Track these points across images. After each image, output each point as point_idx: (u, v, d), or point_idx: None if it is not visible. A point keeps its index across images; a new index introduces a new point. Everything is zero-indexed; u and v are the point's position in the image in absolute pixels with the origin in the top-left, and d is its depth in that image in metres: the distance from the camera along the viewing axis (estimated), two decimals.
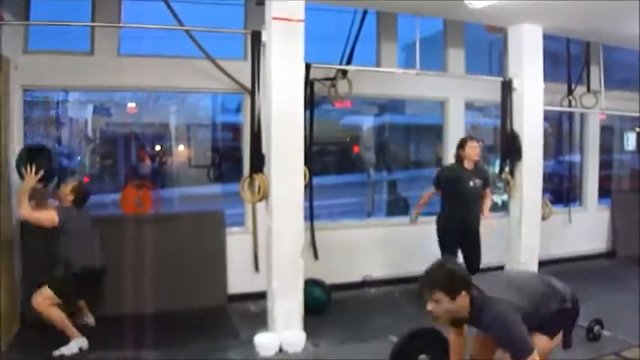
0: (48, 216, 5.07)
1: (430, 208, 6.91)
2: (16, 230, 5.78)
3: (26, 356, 4.96)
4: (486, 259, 6.28)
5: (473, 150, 6.29)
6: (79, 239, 5.15)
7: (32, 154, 5.22)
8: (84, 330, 5.25)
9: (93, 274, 5.27)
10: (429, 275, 3.34)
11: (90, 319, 5.66)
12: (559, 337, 3.67)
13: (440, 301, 3.22)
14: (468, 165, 6.31)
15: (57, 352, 4.99)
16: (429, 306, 3.26)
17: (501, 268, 6.61)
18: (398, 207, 10.71)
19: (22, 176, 5.11)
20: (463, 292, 3.25)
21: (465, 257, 6.32)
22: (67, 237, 5.11)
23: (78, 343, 5.10)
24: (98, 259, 5.30)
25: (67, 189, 5.29)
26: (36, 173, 5.04)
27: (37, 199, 5.33)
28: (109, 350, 5.12)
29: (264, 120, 5.44)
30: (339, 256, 7.04)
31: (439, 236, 6.43)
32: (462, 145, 6.35)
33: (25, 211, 4.97)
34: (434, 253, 7.18)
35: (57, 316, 5.06)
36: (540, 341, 3.42)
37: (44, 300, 5.02)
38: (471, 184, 6.27)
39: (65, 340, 5.06)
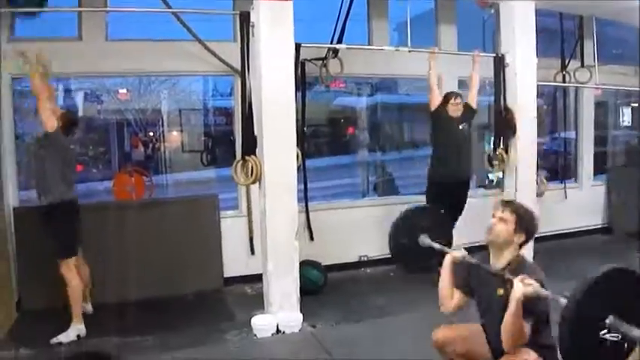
0: (52, 119, 5.04)
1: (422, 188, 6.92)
2: (10, 219, 5.77)
3: (23, 345, 4.92)
4: (481, 236, 6.27)
5: (454, 107, 6.48)
6: (63, 165, 5.18)
7: None
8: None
9: (75, 205, 5.29)
10: (516, 202, 3.54)
11: (88, 307, 5.64)
12: None
13: (506, 222, 3.25)
14: (453, 114, 6.49)
15: (55, 340, 4.99)
16: (494, 220, 3.30)
17: None
18: (392, 187, 10.72)
19: None
20: (524, 236, 3.28)
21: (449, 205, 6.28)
22: (51, 160, 5.11)
23: (76, 330, 5.10)
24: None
25: (56, 116, 5.24)
26: None
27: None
28: (106, 336, 5.11)
29: (255, 102, 5.40)
30: (335, 237, 7.02)
31: (428, 190, 6.65)
32: (445, 100, 6.49)
33: (40, 86, 4.98)
34: None
35: (76, 284, 5.13)
36: None
37: (64, 265, 5.11)
38: (460, 127, 6.53)
39: (62, 327, 5.06)
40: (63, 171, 5.18)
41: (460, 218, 6.49)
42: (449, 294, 3.56)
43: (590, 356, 2.62)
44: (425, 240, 4.02)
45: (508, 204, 3.39)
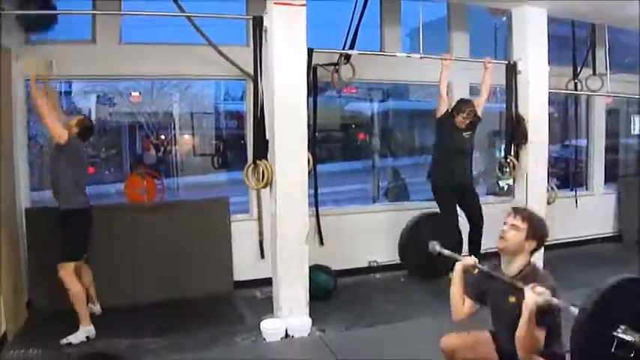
0: (60, 130, 5.09)
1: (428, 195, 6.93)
2: (22, 219, 5.81)
3: (33, 346, 4.95)
4: (491, 243, 6.26)
5: (461, 120, 6.47)
6: (77, 173, 5.24)
7: None
8: (91, 319, 5.26)
9: (88, 213, 5.33)
10: (527, 209, 3.53)
11: (97, 308, 5.68)
12: None
13: (517, 229, 3.26)
14: (461, 125, 6.49)
15: (64, 341, 5.02)
16: (505, 227, 3.31)
17: None
18: (402, 192, 10.71)
19: None
20: (535, 243, 3.29)
21: (466, 212, 6.58)
22: (65, 169, 5.17)
23: (86, 331, 5.12)
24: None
25: (73, 122, 5.34)
26: None
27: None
28: (116, 338, 5.14)
29: (267, 106, 5.41)
30: (345, 242, 7.03)
31: (435, 192, 6.63)
32: (457, 110, 6.48)
33: (44, 108, 5.02)
34: None
35: (77, 291, 5.15)
36: None
37: (63, 269, 5.13)
38: (464, 135, 6.53)
39: (72, 329, 5.09)
40: (77, 179, 5.24)
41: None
42: (460, 301, 3.56)
43: None
44: (435, 247, 4.01)
45: (519, 211, 3.39)
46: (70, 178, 5.18)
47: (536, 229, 3.29)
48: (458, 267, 3.61)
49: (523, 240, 3.26)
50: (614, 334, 2.55)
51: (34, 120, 6.63)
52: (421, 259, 4.10)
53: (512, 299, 3.20)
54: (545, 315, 2.99)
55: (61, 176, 5.19)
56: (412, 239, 4.10)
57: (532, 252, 3.32)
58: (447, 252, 3.92)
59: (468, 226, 6.56)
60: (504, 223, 3.34)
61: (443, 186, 6.55)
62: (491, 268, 3.44)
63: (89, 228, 5.35)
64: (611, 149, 9.83)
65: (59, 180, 5.20)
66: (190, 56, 6.43)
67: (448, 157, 6.55)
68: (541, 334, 3.01)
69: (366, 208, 8.07)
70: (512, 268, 3.31)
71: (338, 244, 6.94)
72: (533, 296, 2.92)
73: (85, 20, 6.27)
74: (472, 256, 3.84)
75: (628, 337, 2.53)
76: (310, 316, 5.42)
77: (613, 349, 2.54)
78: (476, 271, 3.55)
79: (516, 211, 3.38)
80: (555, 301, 2.93)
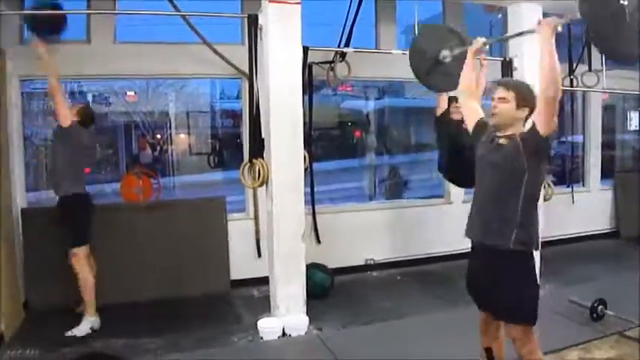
0: (66, 112, 5.15)
1: (432, 190, 6.92)
2: (18, 219, 5.79)
3: (30, 346, 4.91)
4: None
5: (455, 109, 6.30)
6: (76, 160, 5.30)
7: None
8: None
9: (88, 198, 5.39)
10: (510, 79, 3.83)
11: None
12: None
13: (506, 100, 3.32)
14: (455, 117, 6.37)
15: (69, 333, 5.09)
16: (495, 102, 3.36)
17: None
18: (398, 190, 10.73)
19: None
20: (527, 109, 3.33)
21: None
22: (65, 154, 5.22)
23: (90, 322, 5.20)
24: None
25: (74, 111, 5.35)
26: None
27: None
28: (113, 337, 5.13)
29: (263, 104, 5.41)
30: (342, 240, 7.03)
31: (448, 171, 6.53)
32: (448, 103, 6.37)
33: (56, 86, 5.06)
34: (435, 236, 7.24)
35: (86, 277, 5.22)
36: None
37: (74, 256, 5.19)
38: (466, 133, 6.38)
39: (69, 328, 5.11)
40: (77, 165, 5.29)
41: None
42: (473, 78, 3.75)
43: None
44: (445, 54, 4.12)
45: (504, 82, 3.48)
46: (70, 163, 5.22)
47: (525, 95, 3.36)
48: (471, 50, 3.78)
49: (514, 109, 3.32)
50: None
51: (29, 120, 6.61)
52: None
53: (506, 141, 3.31)
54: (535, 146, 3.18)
55: (61, 162, 5.22)
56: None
57: (525, 119, 3.37)
58: (457, 51, 4.07)
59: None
60: (492, 99, 3.39)
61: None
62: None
63: (92, 214, 5.38)
64: (607, 145, 9.84)
65: (59, 166, 5.24)
66: (185, 55, 6.42)
67: (451, 154, 6.52)
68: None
69: (363, 206, 8.08)
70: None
71: (334, 243, 6.94)
72: (546, 20, 3.19)
73: (80, 20, 6.25)
74: None
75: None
76: (307, 314, 5.42)
77: None
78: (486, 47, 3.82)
79: (501, 83, 3.44)
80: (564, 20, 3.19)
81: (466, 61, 3.76)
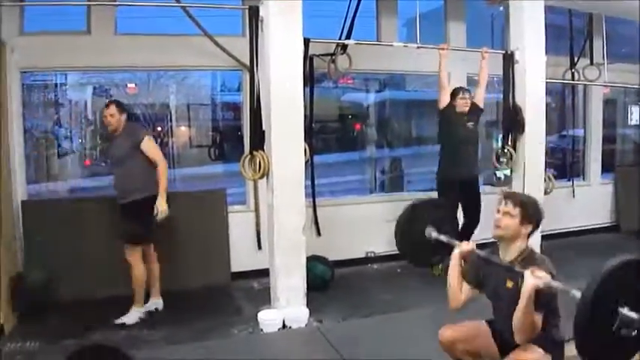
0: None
1: (433, 183, 6.91)
2: (18, 212, 5.79)
3: (30, 339, 4.94)
4: (488, 234, 6.27)
5: (462, 101, 6.50)
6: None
7: None
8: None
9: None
10: (517, 193, 3.64)
11: (159, 301, 5.79)
12: None
13: (511, 215, 3.25)
14: (461, 109, 6.50)
15: (118, 321, 5.26)
16: (499, 215, 3.30)
17: None
18: (399, 183, 10.72)
19: None
20: (531, 226, 3.29)
21: (464, 206, 6.55)
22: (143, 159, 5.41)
23: (138, 312, 5.38)
24: None
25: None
26: None
27: None
28: (113, 329, 5.16)
29: (264, 97, 5.41)
30: (342, 233, 7.02)
31: (439, 188, 6.67)
32: (453, 95, 6.50)
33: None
34: None
35: (139, 272, 5.41)
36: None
37: (131, 253, 5.40)
38: (468, 125, 6.54)
39: (69, 321, 5.17)
40: (150, 171, 5.40)
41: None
42: (458, 288, 3.53)
43: (605, 349, 2.62)
44: (432, 232, 3.97)
45: (510, 196, 3.37)
46: (148, 170, 5.38)
47: (530, 212, 3.28)
48: (456, 253, 3.57)
49: (518, 225, 3.25)
50: (620, 309, 2.55)
51: (30, 113, 6.60)
52: (418, 246, 4.02)
53: (511, 284, 3.19)
54: (543, 299, 2.98)
55: (138, 169, 5.37)
56: (409, 225, 3.98)
57: (529, 235, 3.32)
58: (444, 238, 3.87)
59: (462, 220, 6.52)
60: (497, 211, 3.32)
61: (448, 175, 6.55)
62: (489, 253, 3.42)
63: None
64: (608, 139, 9.82)
65: (135, 173, 5.37)
66: (186, 47, 6.40)
67: (454, 148, 6.53)
68: (539, 319, 3.00)
69: (363, 199, 8.06)
70: (510, 253, 3.30)
71: (335, 235, 6.94)
72: (533, 280, 2.90)
73: (80, 11, 6.23)
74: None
75: (632, 315, 2.53)
76: (307, 306, 5.43)
77: (615, 328, 2.54)
78: (474, 256, 3.52)
79: (507, 196, 3.36)
80: (555, 284, 2.92)
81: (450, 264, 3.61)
